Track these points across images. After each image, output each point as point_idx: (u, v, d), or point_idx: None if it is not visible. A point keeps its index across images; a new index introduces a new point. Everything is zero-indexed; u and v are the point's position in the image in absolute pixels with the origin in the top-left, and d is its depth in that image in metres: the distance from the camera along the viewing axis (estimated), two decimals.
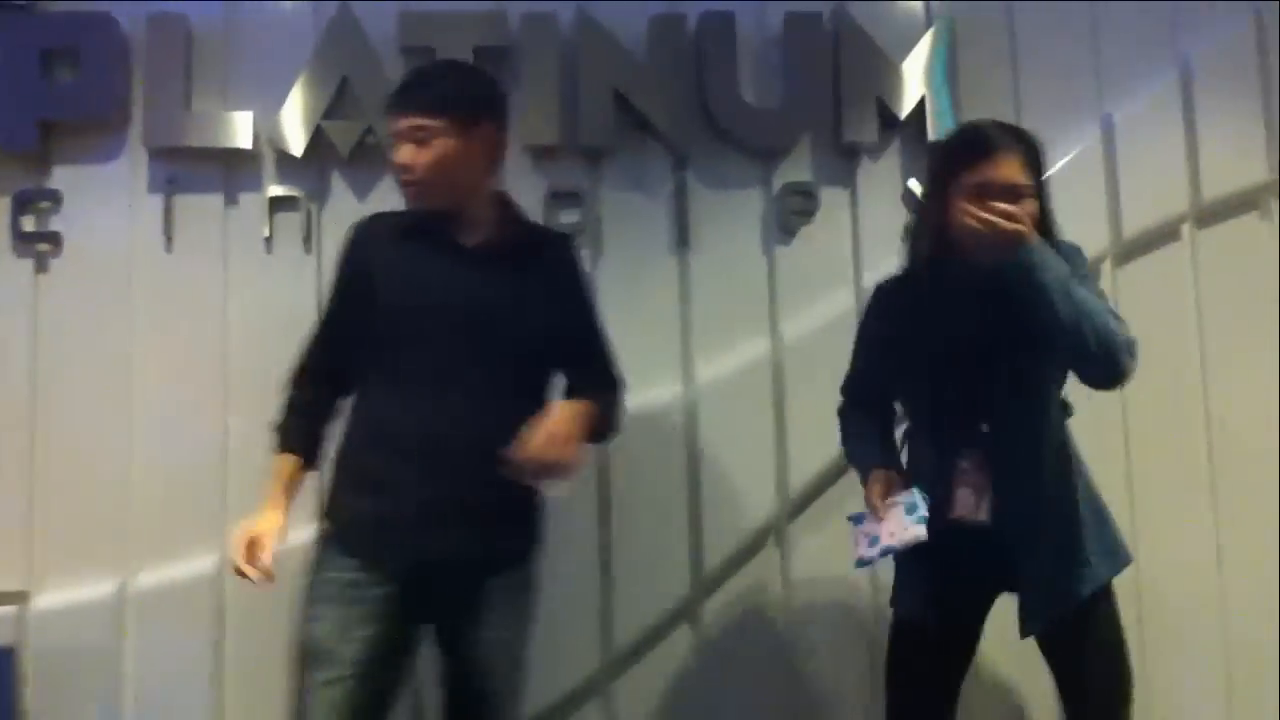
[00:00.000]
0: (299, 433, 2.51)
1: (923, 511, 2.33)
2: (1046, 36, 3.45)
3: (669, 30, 3.36)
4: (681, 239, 3.34)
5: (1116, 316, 2.32)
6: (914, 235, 2.55)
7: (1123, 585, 3.13)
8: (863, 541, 2.40)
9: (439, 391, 2.35)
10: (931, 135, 3.33)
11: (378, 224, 2.55)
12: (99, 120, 3.23)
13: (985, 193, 2.29)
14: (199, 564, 3.09)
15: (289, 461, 2.49)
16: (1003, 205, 2.25)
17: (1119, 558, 2.47)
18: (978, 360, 2.37)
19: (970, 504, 2.39)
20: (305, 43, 3.25)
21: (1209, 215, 3.42)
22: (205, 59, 3.27)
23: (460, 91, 2.46)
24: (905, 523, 2.34)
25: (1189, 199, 3.40)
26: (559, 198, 3.31)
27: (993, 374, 2.37)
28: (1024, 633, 2.40)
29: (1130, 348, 2.28)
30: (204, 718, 3.05)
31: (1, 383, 3.15)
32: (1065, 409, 2.48)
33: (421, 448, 2.36)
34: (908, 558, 2.42)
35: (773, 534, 3.27)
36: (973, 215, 2.26)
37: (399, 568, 2.35)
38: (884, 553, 2.37)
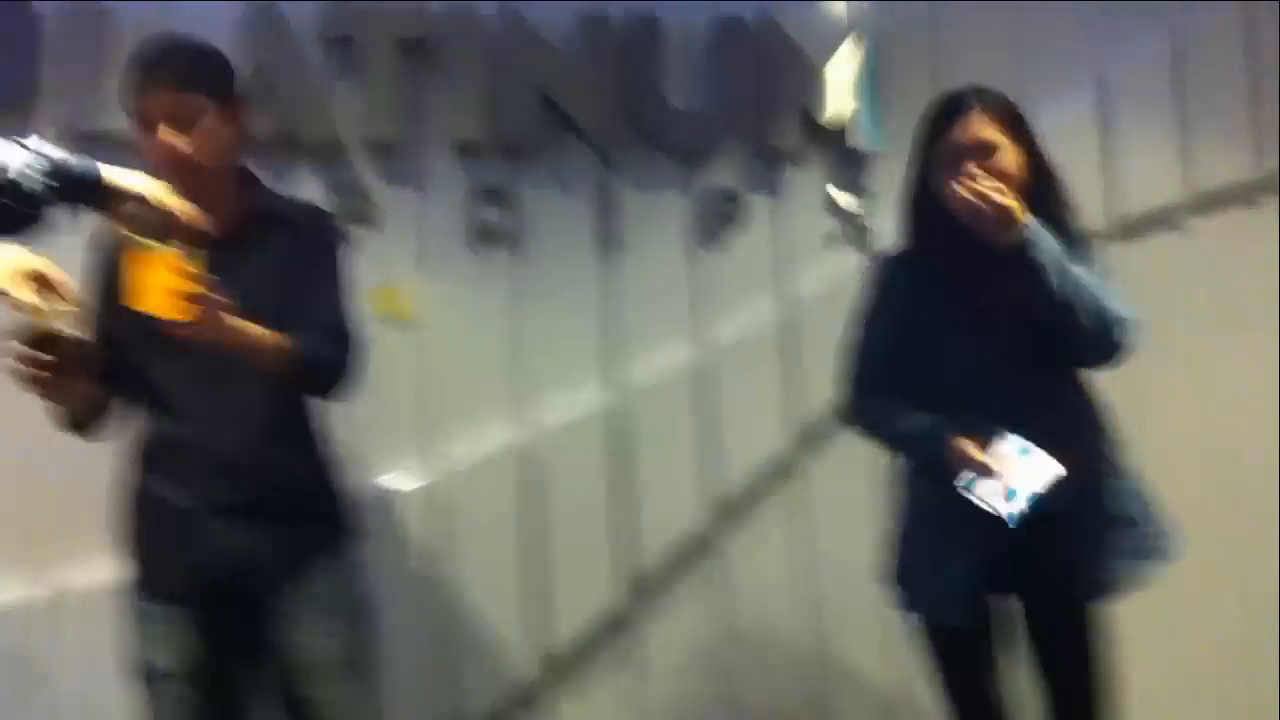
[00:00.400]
0: None
1: (1035, 450, 2.27)
2: (969, 49, 3.46)
3: (595, 29, 3.33)
4: (606, 240, 3.31)
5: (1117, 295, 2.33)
6: (909, 213, 2.49)
7: None
8: (997, 499, 2.26)
9: (193, 398, 2.20)
10: (855, 143, 3.36)
11: None
12: (7, 101, 3.10)
13: (960, 156, 2.30)
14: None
15: None
16: (984, 180, 2.23)
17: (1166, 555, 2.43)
18: (996, 333, 2.35)
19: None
20: (225, 32, 3.17)
21: (1126, 231, 3.48)
22: (120, 46, 3.16)
23: (221, 67, 2.29)
24: (1030, 465, 2.26)
25: (1105, 214, 3.45)
26: (481, 195, 3.26)
27: (1012, 346, 2.35)
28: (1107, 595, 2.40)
29: (1126, 326, 2.30)
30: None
31: None
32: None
33: (180, 460, 2.25)
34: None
35: (700, 542, 3.26)
36: (957, 189, 2.25)
37: (181, 586, 2.25)
38: (1030, 500, 2.25)
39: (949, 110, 2.39)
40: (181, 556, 2.24)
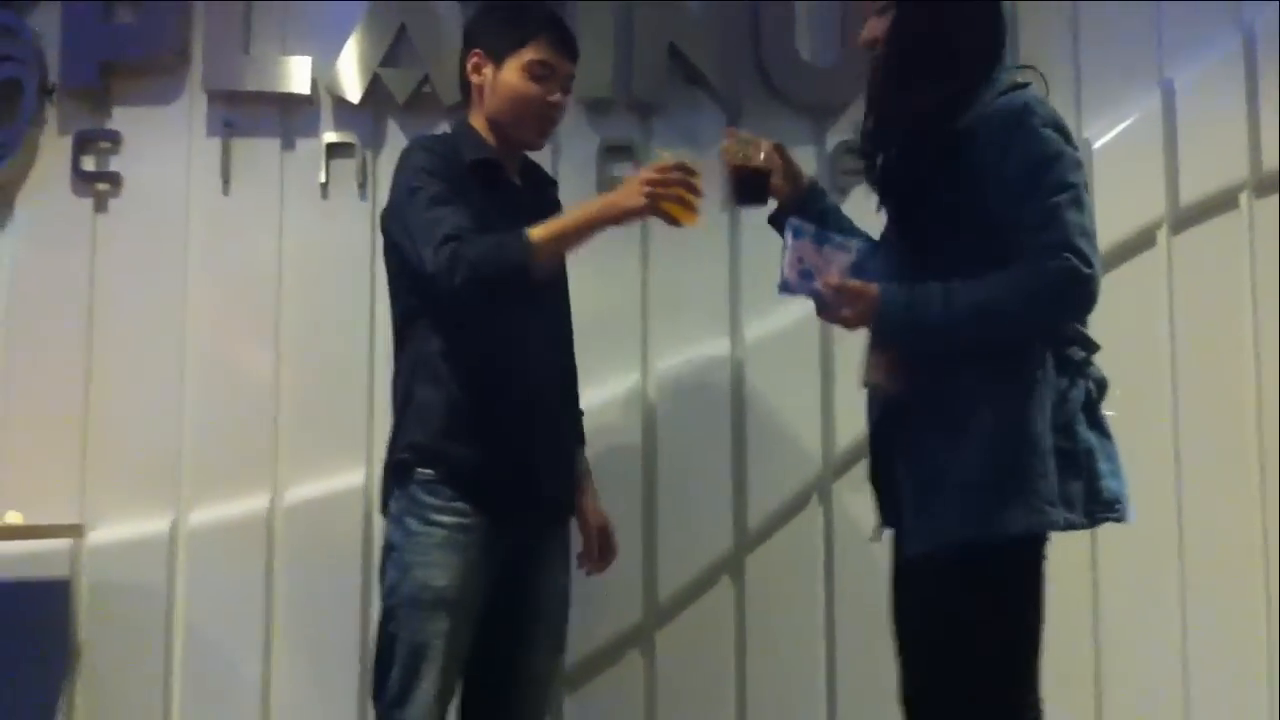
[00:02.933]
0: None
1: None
2: (1107, 5, 3.40)
3: None
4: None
5: (1043, 227, 1.97)
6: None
7: (1167, 559, 3.18)
8: (795, 265, 2.11)
9: (530, 336, 2.42)
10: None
11: (445, 148, 2.46)
12: (159, 62, 3.26)
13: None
14: (251, 502, 3.14)
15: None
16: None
17: (989, 523, 1.98)
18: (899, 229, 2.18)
19: (880, 371, 2.17)
20: None
21: (1268, 184, 3.37)
22: (265, 3, 3.29)
23: None
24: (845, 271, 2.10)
25: (1248, 168, 3.36)
26: (611, 151, 3.31)
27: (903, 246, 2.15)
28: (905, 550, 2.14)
29: (1056, 283, 1.97)
30: (254, 653, 3.10)
31: (59, 319, 3.20)
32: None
33: (529, 395, 2.41)
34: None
35: (817, 491, 3.27)
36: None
37: (518, 515, 2.39)
38: (812, 294, 2.11)
39: None
40: (511, 483, 2.39)
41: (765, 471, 3.25)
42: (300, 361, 3.19)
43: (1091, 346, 2.11)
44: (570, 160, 3.30)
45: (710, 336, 3.29)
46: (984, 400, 2.01)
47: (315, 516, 3.13)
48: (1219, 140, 3.35)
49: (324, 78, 3.25)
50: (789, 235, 2.12)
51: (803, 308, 3.19)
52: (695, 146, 3.31)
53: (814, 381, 3.29)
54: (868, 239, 2.24)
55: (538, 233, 2.27)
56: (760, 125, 3.29)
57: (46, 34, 3.24)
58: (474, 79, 2.50)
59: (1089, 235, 1.99)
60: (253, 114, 3.26)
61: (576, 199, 3.20)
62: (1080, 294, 1.98)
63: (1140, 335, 3.23)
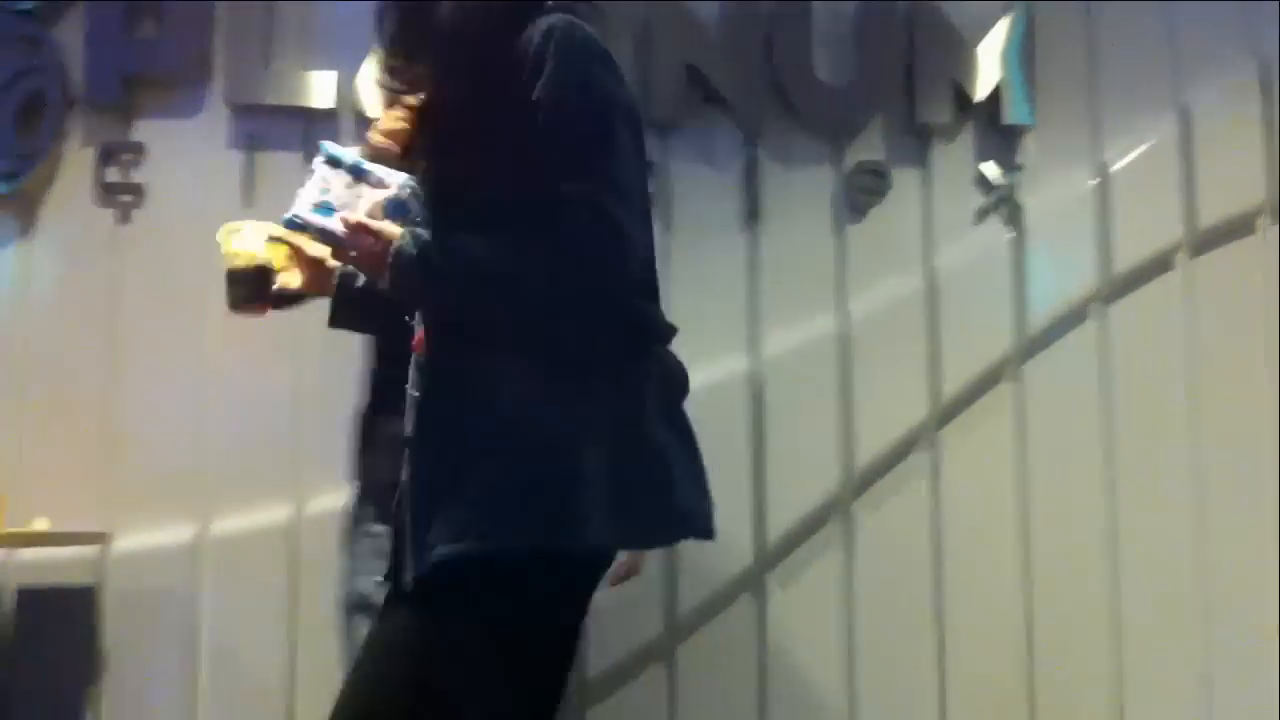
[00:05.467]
0: None
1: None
2: (1125, 25, 3.45)
3: (743, 5, 3.37)
4: (751, 214, 3.36)
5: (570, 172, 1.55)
6: None
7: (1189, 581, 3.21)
8: (316, 197, 1.70)
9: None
10: (1006, 119, 3.35)
11: None
12: (182, 75, 3.28)
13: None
14: (274, 511, 3.16)
15: None
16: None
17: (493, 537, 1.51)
18: None
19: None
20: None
21: None
22: (288, 17, 3.31)
23: None
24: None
25: (1265, 192, 3.40)
26: None
27: None
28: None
29: (583, 242, 1.55)
30: (277, 661, 3.12)
31: (82, 329, 3.21)
32: None
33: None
34: None
35: (835, 510, 3.30)
36: None
37: None
38: (323, 231, 1.67)
39: None
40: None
41: (784, 489, 3.27)
42: (322, 372, 3.18)
43: (661, 330, 1.77)
44: None
45: (729, 353, 3.32)
46: (514, 392, 1.57)
47: (338, 525, 3.14)
48: (1237, 165, 3.39)
49: (348, 92, 3.27)
50: (318, 160, 1.72)
51: (823, 324, 3.26)
52: (713, 165, 3.36)
53: (833, 398, 3.31)
54: None
55: None
56: (778, 144, 3.36)
57: (69, 47, 3.25)
58: None
59: (623, 190, 1.59)
60: (275, 128, 3.28)
61: None
62: (613, 255, 1.57)
63: (1158, 357, 3.25)
